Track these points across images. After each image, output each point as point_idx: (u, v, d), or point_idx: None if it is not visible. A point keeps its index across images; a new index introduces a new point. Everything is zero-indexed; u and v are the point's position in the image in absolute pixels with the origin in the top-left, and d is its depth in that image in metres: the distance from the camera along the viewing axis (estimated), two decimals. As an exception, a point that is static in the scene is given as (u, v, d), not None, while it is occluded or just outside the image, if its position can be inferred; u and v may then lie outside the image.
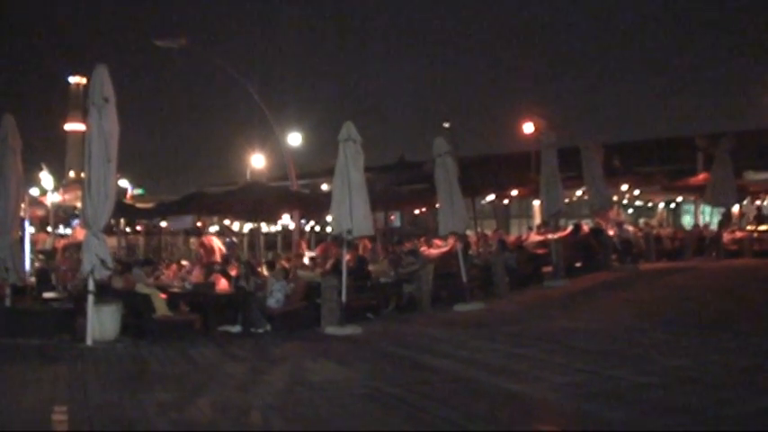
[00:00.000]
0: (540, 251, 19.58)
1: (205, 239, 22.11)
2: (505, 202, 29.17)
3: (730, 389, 7.14)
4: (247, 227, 30.50)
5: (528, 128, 29.43)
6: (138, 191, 69.48)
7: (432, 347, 10.39)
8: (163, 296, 12.61)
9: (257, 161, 40.37)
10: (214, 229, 32.30)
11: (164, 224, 30.10)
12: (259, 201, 18.08)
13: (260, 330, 12.23)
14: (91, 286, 11.06)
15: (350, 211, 12.43)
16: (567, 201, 21.32)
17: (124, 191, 58.73)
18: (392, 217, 30.11)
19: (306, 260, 18.01)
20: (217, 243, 21.23)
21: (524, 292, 16.67)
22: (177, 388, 8.37)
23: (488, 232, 22.38)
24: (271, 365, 9.82)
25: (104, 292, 11.51)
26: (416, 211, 27.42)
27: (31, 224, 27.23)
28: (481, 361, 9.16)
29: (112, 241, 21.17)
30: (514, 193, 26.10)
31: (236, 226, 31.53)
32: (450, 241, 15.55)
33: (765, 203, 28.66)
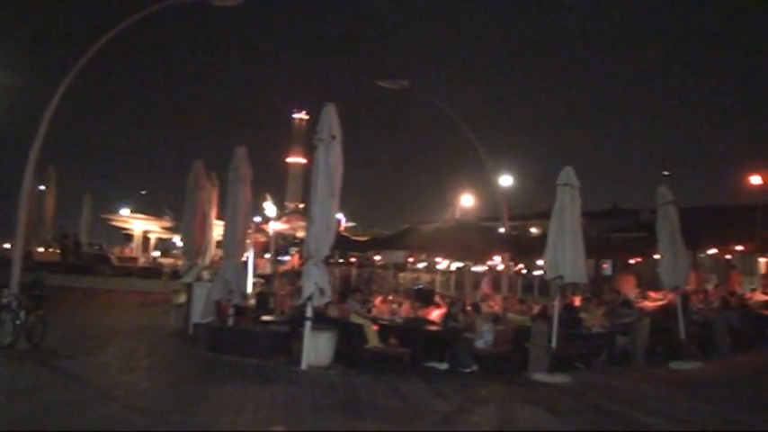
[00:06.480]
0: (766, 312, 18.11)
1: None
2: (728, 257, 27.33)
3: None
4: (455, 265, 30.61)
5: (755, 180, 27.49)
6: (351, 224, 71.86)
7: (646, 405, 9.86)
8: (375, 328, 12.88)
9: (466, 201, 40.72)
10: (422, 265, 32.81)
11: (377, 257, 30.97)
12: (469, 240, 18.12)
13: (466, 370, 12.16)
14: (309, 313, 11.52)
15: (564, 256, 12.15)
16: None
17: (338, 222, 60.87)
18: (604, 265, 29.00)
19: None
20: None
21: (747, 353, 15.47)
22: (386, 420, 8.50)
23: (709, 287, 20.98)
24: (477, 406, 9.71)
25: (320, 320, 11.92)
26: (631, 261, 26.26)
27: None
28: (698, 425, 8.56)
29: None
30: (739, 248, 24.40)
31: (443, 264, 31.79)
32: (668, 295, 14.72)
33: None
